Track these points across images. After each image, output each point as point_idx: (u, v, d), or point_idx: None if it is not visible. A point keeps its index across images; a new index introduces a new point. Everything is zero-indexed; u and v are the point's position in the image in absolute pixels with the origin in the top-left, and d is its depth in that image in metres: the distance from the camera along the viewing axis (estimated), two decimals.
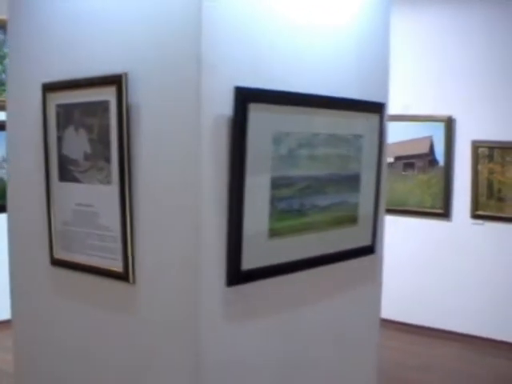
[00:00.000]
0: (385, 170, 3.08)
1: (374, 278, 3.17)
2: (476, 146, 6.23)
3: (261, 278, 2.46)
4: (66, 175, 2.71)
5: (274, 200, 2.44)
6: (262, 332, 2.54)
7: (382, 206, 3.11)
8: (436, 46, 6.52)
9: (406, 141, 6.60)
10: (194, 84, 2.24)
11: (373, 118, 2.89)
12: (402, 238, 6.64)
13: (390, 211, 6.22)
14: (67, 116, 2.68)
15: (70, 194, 2.70)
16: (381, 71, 3.08)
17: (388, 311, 6.43)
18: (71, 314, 2.78)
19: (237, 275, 2.36)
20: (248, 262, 2.37)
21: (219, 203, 2.29)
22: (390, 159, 6.58)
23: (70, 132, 2.69)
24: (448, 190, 6.45)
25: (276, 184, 2.44)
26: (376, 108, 2.92)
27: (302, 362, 2.75)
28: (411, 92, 6.60)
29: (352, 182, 2.82)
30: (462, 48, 6.38)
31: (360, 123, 2.83)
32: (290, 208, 2.52)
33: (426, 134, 6.50)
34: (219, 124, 2.28)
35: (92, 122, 2.58)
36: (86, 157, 2.61)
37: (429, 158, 6.51)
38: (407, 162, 6.63)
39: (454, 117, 6.39)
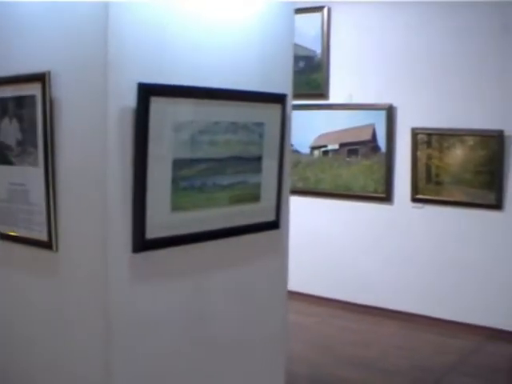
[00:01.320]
0: (288, 154, 3.57)
1: (280, 250, 3.65)
2: (415, 132, 6.74)
3: (165, 246, 2.94)
4: (2, 159, 3.19)
5: (176, 179, 2.92)
6: (168, 293, 3.02)
7: (286, 187, 3.59)
8: (377, 38, 7.02)
9: (349, 128, 7.11)
10: (101, 80, 2.71)
11: (274, 108, 3.39)
12: (347, 220, 7.17)
13: (335, 195, 6.83)
14: (3, 108, 3.17)
15: (5, 175, 3.18)
16: (284, 64, 3.57)
17: (335, 291, 7.04)
18: (3, 280, 3.28)
19: (141, 243, 2.84)
20: (151, 232, 2.86)
21: (125, 182, 2.77)
22: (335, 146, 7.11)
23: (5, 122, 3.18)
24: (389, 175, 6.96)
25: (178, 166, 2.92)
26: (278, 99, 3.41)
27: (209, 319, 3.25)
28: (354, 82, 7.13)
29: (253, 164, 3.31)
30: (402, 39, 6.87)
31: (261, 112, 3.32)
32: (191, 186, 3.01)
33: (369, 122, 7.00)
34: (125, 115, 2.75)
35: (23, 113, 3.06)
36: (18, 143, 3.10)
37: (371, 144, 7.02)
38: (351, 149, 7.13)
39: (394, 105, 6.88)
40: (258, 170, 3.34)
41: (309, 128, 7.37)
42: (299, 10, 6.94)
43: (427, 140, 6.67)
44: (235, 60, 3.26)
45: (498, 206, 6.44)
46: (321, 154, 7.34)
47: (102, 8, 2.69)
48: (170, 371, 3.07)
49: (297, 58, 6.87)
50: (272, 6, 3.45)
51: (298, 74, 7.00)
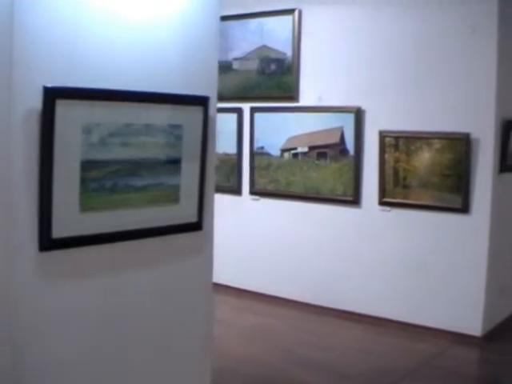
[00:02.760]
0: (211, 156, 3.68)
1: (203, 251, 3.75)
2: (383, 135, 6.83)
3: (74, 245, 3.06)
4: None
5: (85, 180, 3.04)
6: (79, 292, 3.13)
7: (210, 188, 3.70)
8: (347, 41, 7.12)
9: (318, 131, 7.21)
10: (5, 82, 2.81)
11: (195, 111, 3.49)
12: (316, 223, 7.28)
13: (305, 198, 6.94)
14: None
15: None
16: (208, 66, 3.66)
17: (304, 294, 7.14)
18: None
19: (48, 242, 2.95)
20: (59, 232, 2.97)
21: (31, 183, 2.89)
22: (305, 149, 7.21)
23: None
24: (358, 178, 7.05)
25: (86, 167, 3.03)
26: (199, 101, 3.52)
27: (123, 320, 3.36)
28: (324, 85, 7.23)
29: (171, 166, 3.42)
30: (371, 42, 6.96)
31: (179, 115, 3.42)
32: (101, 187, 3.12)
33: (338, 125, 7.09)
34: (31, 117, 2.86)
35: None
36: None
37: (340, 147, 7.11)
38: (320, 152, 7.23)
39: (363, 108, 6.97)
40: (177, 172, 3.45)
41: (279, 130, 7.47)
42: (270, 13, 7.19)
43: (395, 143, 6.76)
44: (155, 61, 3.36)
45: (464, 209, 6.51)
46: (291, 156, 7.44)
47: (7, 4, 2.75)
48: (83, 370, 3.18)
49: (268, 61, 7.04)
50: (195, 6, 3.53)
51: (269, 76, 7.20)
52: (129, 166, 3.21)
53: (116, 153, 3.14)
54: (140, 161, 3.26)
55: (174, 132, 3.40)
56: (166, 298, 3.57)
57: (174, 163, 3.43)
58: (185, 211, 3.54)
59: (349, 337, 6.67)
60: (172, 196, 3.46)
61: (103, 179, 3.12)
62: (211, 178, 3.69)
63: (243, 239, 7.92)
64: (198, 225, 3.63)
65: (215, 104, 3.66)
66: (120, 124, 3.15)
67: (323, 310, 7.26)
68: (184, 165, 3.47)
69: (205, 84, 3.62)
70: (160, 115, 3.33)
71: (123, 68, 3.22)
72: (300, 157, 7.37)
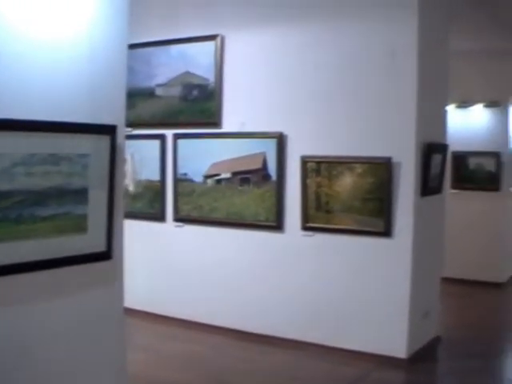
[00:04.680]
0: (120, 184, 3.73)
1: (113, 280, 3.79)
2: (305, 161, 6.94)
3: None
4: None
5: None
6: None
7: (119, 217, 3.74)
8: (269, 67, 7.24)
9: (241, 157, 7.30)
10: None
11: (102, 139, 3.54)
12: (240, 249, 7.36)
13: (228, 224, 7.00)
14: None
15: None
16: (115, 95, 3.72)
17: (228, 319, 7.19)
18: None
19: None
20: None
21: None
22: (228, 175, 7.29)
23: None
24: (280, 203, 7.14)
25: None
26: (106, 130, 3.57)
27: (25, 352, 3.37)
28: (247, 110, 7.33)
29: (78, 195, 3.46)
30: (292, 68, 7.09)
31: (86, 144, 3.47)
32: (6, 217, 3.14)
33: (260, 150, 7.19)
34: None
35: None
36: None
37: (262, 173, 7.20)
38: (243, 177, 7.31)
39: (285, 133, 7.08)
40: (84, 201, 3.49)
41: (203, 157, 7.54)
42: (193, 39, 7.26)
43: (316, 168, 6.87)
44: (61, 90, 3.43)
45: (387, 233, 6.64)
46: (214, 182, 7.50)
47: None
48: None
49: (191, 87, 7.11)
50: (103, 35, 3.58)
51: (191, 102, 7.27)
52: (34, 196, 3.24)
53: (20, 183, 3.17)
54: (46, 190, 3.29)
55: (81, 161, 3.44)
56: (76, 328, 3.60)
57: (81, 192, 3.47)
58: (93, 240, 3.58)
59: (272, 362, 6.73)
60: (79, 225, 3.49)
61: (8, 209, 3.14)
62: (120, 207, 3.73)
63: (167, 266, 7.96)
64: (106, 254, 3.66)
65: (123, 132, 3.72)
66: (24, 153, 3.18)
67: (246, 335, 7.32)
68: (91, 193, 3.51)
69: (112, 112, 3.68)
70: (66, 144, 3.38)
71: (27, 96, 3.27)
72: (223, 183, 7.44)
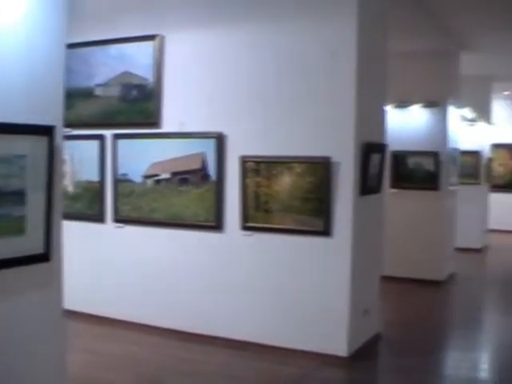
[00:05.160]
0: (58, 185, 3.73)
1: (52, 282, 3.79)
2: (244, 160, 6.99)
3: None
4: None
5: None
6: None
7: (58, 219, 3.74)
8: (208, 67, 7.28)
9: (180, 157, 7.33)
10: None
11: (40, 140, 3.54)
12: (180, 250, 7.38)
13: (168, 225, 7.01)
14: None
15: None
16: (53, 95, 3.72)
17: (168, 320, 7.20)
18: None
19: None
20: None
21: None
22: (167, 175, 7.30)
23: None
24: (220, 203, 7.18)
25: None
26: (44, 130, 3.57)
27: None
28: (186, 110, 7.36)
29: (15, 197, 3.45)
30: (231, 68, 7.15)
31: (23, 145, 3.47)
32: None
33: (200, 150, 7.22)
34: None
35: None
36: None
37: (202, 173, 7.23)
38: (182, 178, 7.34)
39: (224, 133, 7.12)
40: (22, 203, 3.48)
41: (142, 157, 7.54)
42: (132, 39, 7.25)
43: (256, 168, 6.93)
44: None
45: (326, 232, 6.72)
46: (153, 183, 7.50)
47: None
48: None
49: (130, 87, 7.11)
50: (40, 34, 3.58)
51: (131, 102, 7.28)
52: None
53: None
54: None
55: (18, 162, 3.44)
56: (15, 331, 3.59)
57: (19, 194, 3.47)
58: (31, 242, 3.57)
59: (212, 362, 6.76)
60: (17, 227, 3.49)
61: None
62: (59, 208, 3.74)
63: (107, 267, 7.94)
64: (45, 256, 3.66)
65: (62, 133, 3.72)
66: None
67: (187, 335, 7.35)
68: (30, 195, 3.51)
69: (50, 113, 3.68)
70: (2, 145, 3.37)
71: None
72: (162, 183, 7.46)
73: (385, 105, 7.72)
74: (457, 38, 10.54)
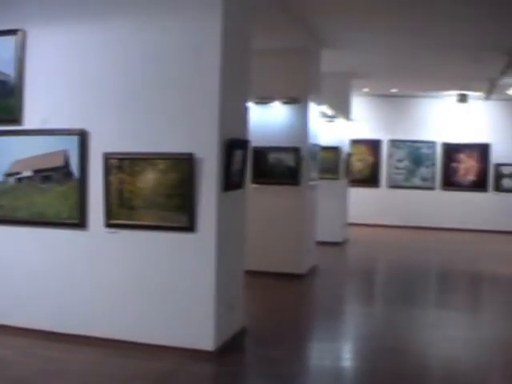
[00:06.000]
0: None
1: None
2: (108, 157, 7.00)
3: None
4: None
5: None
6: None
7: None
8: (72, 63, 7.22)
9: (43, 154, 7.25)
10: None
11: None
12: (44, 248, 7.32)
13: (31, 223, 6.95)
14: None
15: None
16: None
17: (34, 321, 7.15)
18: None
19: None
20: None
21: None
22: (29, 173, 7.23)
23: None
24: (83, 200, 7.16)
25: None
26: None
27: None
28: (49, 107, 7.28)
29: None
30: (94, 63, 7.13)
31: None
32: None
33: (62, 147, 7.18)
34: None
35: None
36: None
37: (64, 170, 7.18)
38: (45, 175, 7.27)
39: (87, 130, 7.11)
40: None
41: (3, 155, 7.41)
42: None
43: (119, 165, 6.95)
44: None
45: (190, 228, 6.84)
46: (15, 181, 7.40)
47: None
48: None
49: None
50: None
51: None
52: None
53: None
54: None
55: None
56: None
57: None
58: None
59: (80, 360, 6.74)
60: None
61: None
62: None
63: None
64: None
65: None
66: None
67: (59, 336, 7.25)
68: None
69: None
70: None
71: None
72: (24, 181, 7.36)
73: (247, 101, 7.86)
74: (317, 36, 10.85)
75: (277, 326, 8.26)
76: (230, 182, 7.07)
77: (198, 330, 6.92)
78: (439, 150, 19.54)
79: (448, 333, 8.19)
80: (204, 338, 6.90)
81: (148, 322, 7.07)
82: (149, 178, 6.87)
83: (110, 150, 7.01)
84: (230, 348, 7.14)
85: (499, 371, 6.88)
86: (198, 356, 6.83)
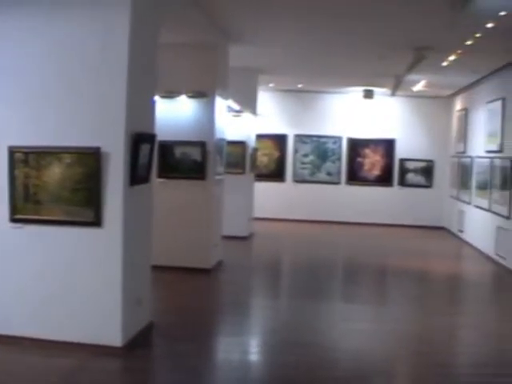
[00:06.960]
0: None
1: None
2: (12, 151, 6.92)
3: None
4: None
5: None
6: None
7: None
8: None
9: None
10: None
11: None
12: None
13: None
14: None
15: None
16: None
17: None
18: None
19: None
20: None
21: None
22: None
23: None
24: None
25: None
26: None
27: None
28: None
29: None
30: (9, 57, 7.04)
31: None
32: None
33: None
34: None
35: None
36: None
37: None
38: None
39: None
40: None
41: None
42: None
43: (24, 158, 6.89)
44: None
45: (96, 222, 6.84)
46: None
47: None
48: None
49: None
50: None
51: None
52: None
53: None
54: None
55: None
56: None
57: None
58: None
59: None
60: None
61: None
62: None
63: None
64: None
65: None
66: None
67: None
68: None
69: None
70: None
71: None
72: None
73: (154, 95, 7.89)
74: (225, 31, 10.93)
75: (184, 321, 8.34)
76: (137, 176, 7.08)
77: (105, 326, 6.92)
78: (345, 145, 19.88)
79: (355, 326, 8.42)
80: (111, 334, 6.91)
81: (55, 319, 7.02)
82: (55, 172, 6.84)
83: (15, 143, 6.93)
84: (138, 343, 7.19)
85: (404, 362, 7.11)
86: (105, 352, 6.84)
